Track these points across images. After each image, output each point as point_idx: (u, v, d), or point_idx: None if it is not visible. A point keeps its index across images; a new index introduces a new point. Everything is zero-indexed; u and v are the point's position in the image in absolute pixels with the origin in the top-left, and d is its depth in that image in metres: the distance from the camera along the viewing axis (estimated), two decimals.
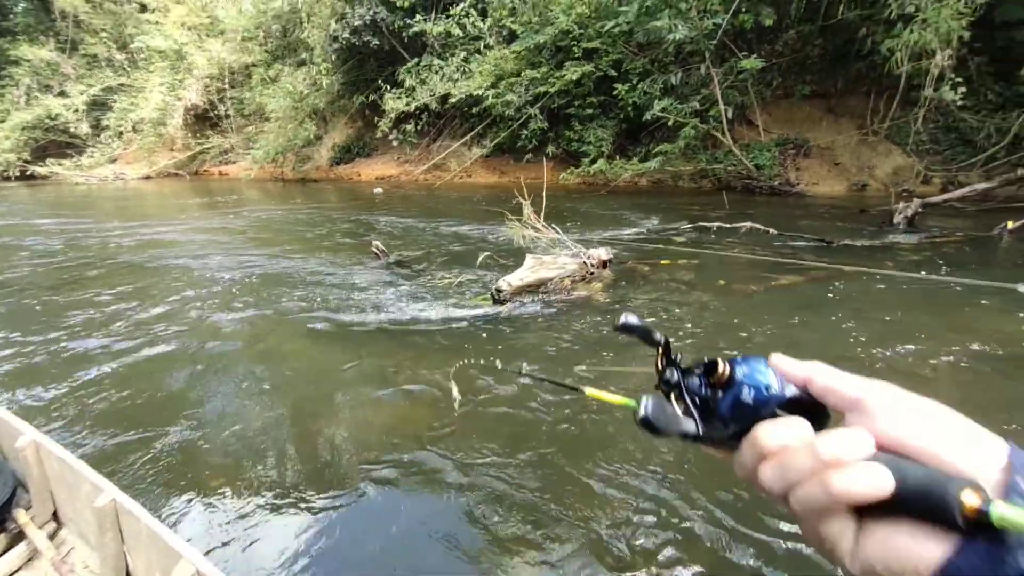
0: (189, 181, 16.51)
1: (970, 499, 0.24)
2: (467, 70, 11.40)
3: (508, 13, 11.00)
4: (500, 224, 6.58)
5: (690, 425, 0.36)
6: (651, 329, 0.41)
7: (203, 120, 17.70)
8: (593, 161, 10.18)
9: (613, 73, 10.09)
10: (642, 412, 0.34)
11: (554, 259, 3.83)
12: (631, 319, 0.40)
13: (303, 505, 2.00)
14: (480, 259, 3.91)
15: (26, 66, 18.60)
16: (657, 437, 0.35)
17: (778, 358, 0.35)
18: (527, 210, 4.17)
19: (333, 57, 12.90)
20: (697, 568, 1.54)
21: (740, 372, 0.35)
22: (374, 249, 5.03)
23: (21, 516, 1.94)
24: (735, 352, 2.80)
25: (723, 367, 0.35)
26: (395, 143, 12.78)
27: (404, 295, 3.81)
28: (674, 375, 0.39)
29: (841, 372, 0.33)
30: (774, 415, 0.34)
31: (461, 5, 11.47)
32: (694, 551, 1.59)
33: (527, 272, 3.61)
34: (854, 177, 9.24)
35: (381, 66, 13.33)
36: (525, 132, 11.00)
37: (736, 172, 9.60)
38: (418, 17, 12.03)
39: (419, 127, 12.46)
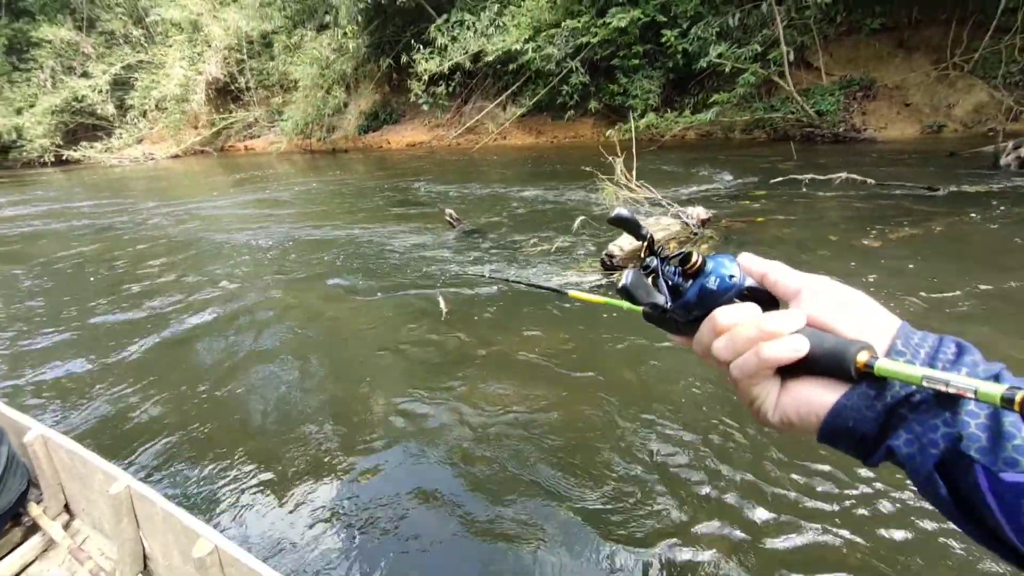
0: (216, 158, 16.43)
1: (862, 357, 0.33)
2: (501, 24, 10.78)
3: None
4: (564, 185, 6.36)
5: (660, 298, 0.43)
6: (641, 224, 0.46)
7: (225, 94, 17.42)
8: (642, 115, 9.67)
9: (661, 18, 9.40)
10: (623, 281, 0.42)
11: (657, 220, 3.64)
12: (623, 212, 0.46)
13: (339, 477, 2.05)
14: (576, 224, 3.73)
15: (47, 48, 18.44)
16: (632, 303, 0.45)
17: (745, 256, 0.41)
18: (619, 167, 3.94)
19: (359, 18, 12.34)
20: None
21: (709, 265, 0.41)
22: (447, 217, 4.89)
23: (33, 509, 1.95)
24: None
25: (696, 258, 0.41)
26: (425, 107, 12.36)
27: (502, 264, 3.70)
28: (653, 261, 0.45)
29: (790, 269, 0.40)
30: (732, 302, 0.40)
31: None
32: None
33: None
34: (928, 118, 8.57)
35: (406, 25, 12.73)
36: (566, 88, 10.47)
37: (795, 120, 9.01)
38: None
39: (451, 89, 11.98)
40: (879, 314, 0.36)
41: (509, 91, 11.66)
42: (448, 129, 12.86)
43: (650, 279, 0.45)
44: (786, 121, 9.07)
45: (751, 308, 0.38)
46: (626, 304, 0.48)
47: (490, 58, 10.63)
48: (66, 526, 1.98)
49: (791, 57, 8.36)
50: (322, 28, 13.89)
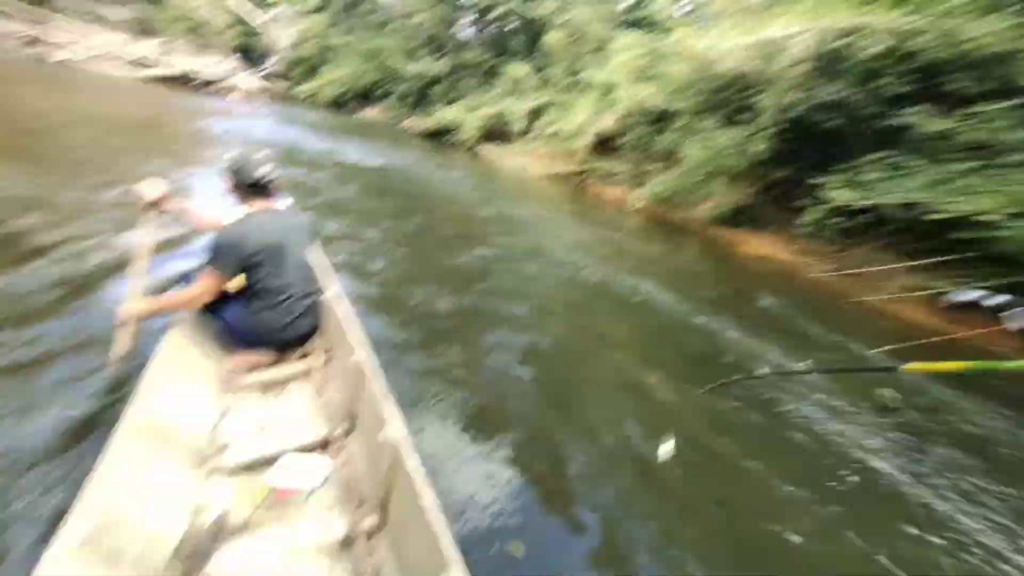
0: (571, 187, 19.28)
1: None
2: (969, 185, 8.98)
3: None
4: None
5: None
6: None
7: (604, 144, 20.27)
8: None
9: None
10: None
11: None
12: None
13: None
14: None
15: (504, 77, 25.19)
16: None
17: None
18: None
19: (773, 129, 12.34)
20: None
21: None
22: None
23: (312, 342, 2.67)
24: None
25: None
26: (804, 229, 11.40)
27: None
28: None
29: None
30: None
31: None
32: None
33: None
34: None
35: (821, 145, 12.07)
36: None
37: None
38: (909, 109, 10.17)
39: (846, 226, 10.71)
40: None
41: (932, 259, 9.64)
42: (820, 260, 11.54)
43: None
44: None
45: None
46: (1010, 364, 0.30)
47: (939, 216, 8.96)
48: (323, 365, 2.54)
49: None
50: (729, 123, 14.44)
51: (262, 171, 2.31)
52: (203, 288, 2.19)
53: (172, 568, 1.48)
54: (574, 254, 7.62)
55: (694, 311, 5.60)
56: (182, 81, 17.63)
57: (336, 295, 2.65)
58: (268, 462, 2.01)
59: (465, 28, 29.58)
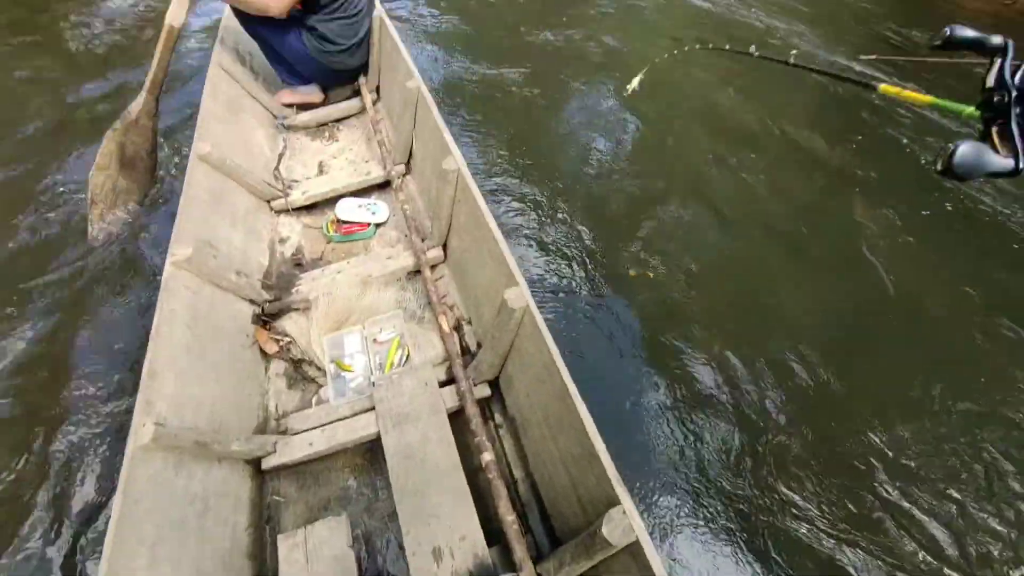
0: None
1: None
2: None
3: None
4: None
5: (1006, 163, 0.34)
6: (986, 37, 0.39)
7: None
8: None
9: None
10: (955, 158, 0.33)
11: None
12: (962, 31, 0.39)
13: None
14: None
15: None
16: (959, 182, 0.34)
17: None
18: None
19: None
20: None
21: None
22: None
23: (361, 79, 2.45)
24: None
25: None
26: None
27: None
28: (1005, 97, 0.35)
29: None
30: None
31: None
32: None
33: None
34: None
35: None
36: None
37: None
38: None
39: None
40: None
41: None
42: None
43: (994, 129, 0.35)
44: None
45: None
46: (966, 109, 0.39)
47: None
48: (374, 103, 2.37)
49: None
50: None
51: None
52: None
53: (264, 290, 1.61)
54: None
55: None
56: None
57: (382, 17, 2.35)
58: (331, 201, 1.99)
59: None
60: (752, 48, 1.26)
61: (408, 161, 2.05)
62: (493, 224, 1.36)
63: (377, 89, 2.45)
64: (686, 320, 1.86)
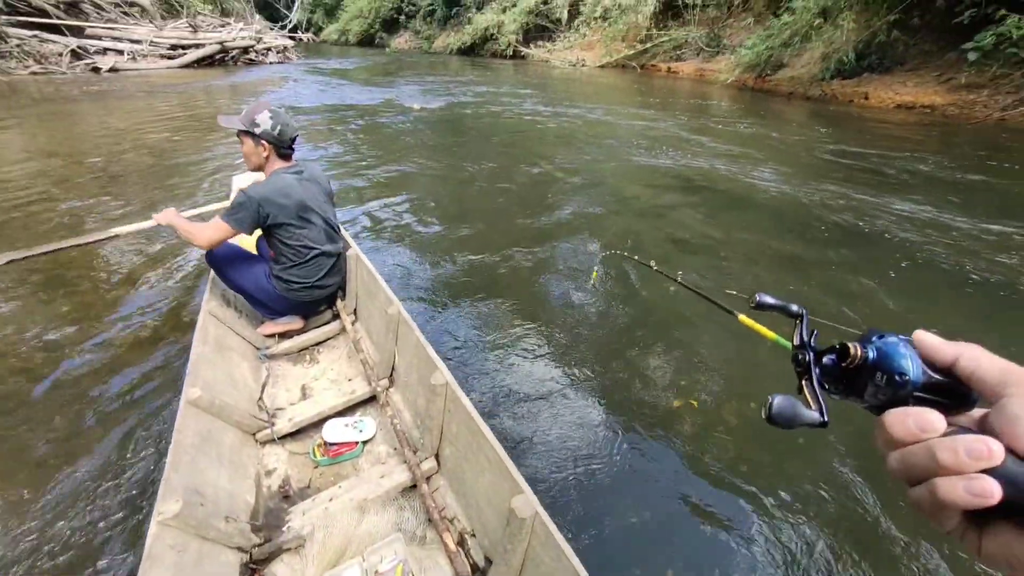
0: (637, 75, 16.65)
1: None
2: None
3: None
4: None
5: (814, 416, 0.36)
6: (787, 304, 0.45)
7: (668, 10, 17.11)
8: None
9: None
10: (769, 411, 0.34)
11: None
12: (766, 298, 0.46)
13: None
14: None
15: None
16: (784, 429, 0.35)
17: (923, 336, 0.33)
18: None
19: None
20: None
21: (873, 355, 0.34)
22: None
23: (339, 303, 2.64)
24: None
25: (855, 351, 0.35)
26: (969, 57, 8.52)
27: None
28: (806, 356, 0.39)
29: (990, 357, 0.30)
30: (910, 398, 0.32)
31: None
32: None
33: None
34: None
35: None
36: None
37: None
38: None
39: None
40: None
41: None
42: (990, 95, 8.74)
43: (802, 382, 0.39)
44: None
45: (927, 419, 0.29)
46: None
47: None
48: (352, 324, 2.51)
49: None
50: None
51: (295, 131, 2.31)
52: (210, 234, 2.18)
53: (253, 533, 1.51)
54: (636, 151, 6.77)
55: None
56: (219, 60, 17.75)
57: (357, 253, 2.62)
58: (317, 425, 2.00)
59: None
60: (652, 263, 1.40)
61: (391, 379, 2.11)
62: (488, 432, 1.38)
63: (355, 311, 2.57)
64: None
